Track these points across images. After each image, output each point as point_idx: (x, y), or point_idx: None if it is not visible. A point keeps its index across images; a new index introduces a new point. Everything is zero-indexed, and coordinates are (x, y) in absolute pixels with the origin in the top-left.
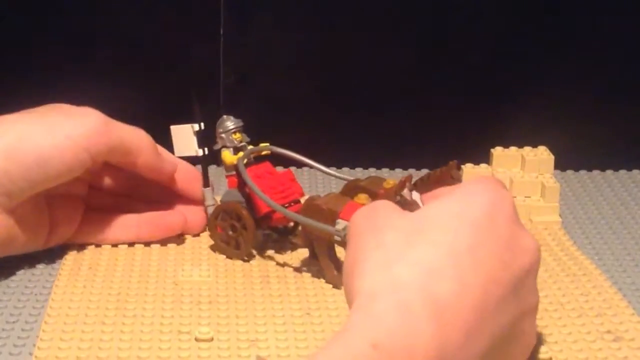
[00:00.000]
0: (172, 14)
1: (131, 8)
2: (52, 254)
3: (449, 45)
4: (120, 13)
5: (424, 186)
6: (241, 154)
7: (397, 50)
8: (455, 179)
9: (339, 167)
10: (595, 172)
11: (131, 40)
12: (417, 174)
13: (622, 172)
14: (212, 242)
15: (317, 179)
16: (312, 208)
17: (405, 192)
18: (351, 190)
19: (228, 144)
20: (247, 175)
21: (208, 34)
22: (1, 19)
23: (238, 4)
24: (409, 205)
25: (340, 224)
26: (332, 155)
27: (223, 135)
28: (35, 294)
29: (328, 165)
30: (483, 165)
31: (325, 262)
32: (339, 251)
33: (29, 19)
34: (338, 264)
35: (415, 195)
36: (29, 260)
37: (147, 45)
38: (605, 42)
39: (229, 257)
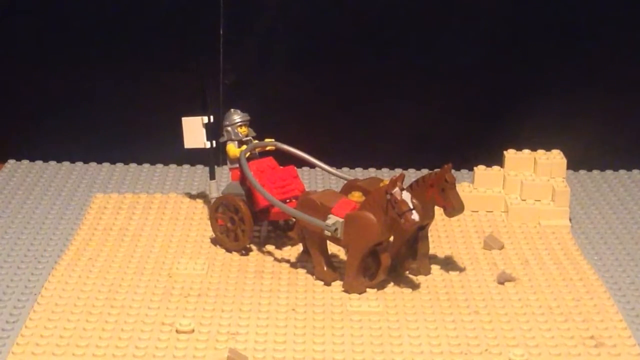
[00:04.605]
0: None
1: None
2: (53, 253)
3: (461, 46)
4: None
5: (419, 189)
6: (244, 147)
7: (404, 51)
8: (449, 182)
9: (339, 167)
10: (595, 172)
11: (137, 37)
12: (416, 175)
13: (622, 172)
14: (214, 236)
15: (317, 177)
16: (307, 202)
17: (396, 190)
18: (350, 189)
19: (233, 137)
20: (247, 168)
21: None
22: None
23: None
24: (398, 204)
25: (331, 219)
26: (332, 155)
27: (229, 128)
28: (35, 294)
29: (328, 165)
30: (495, 168)
31: (316, 256)
32: (332, 247)
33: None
34: (328, 260)
35: (405, 195)
36: (29, 259)
37: (153, 43)
38: (606, 44)
39: (227, 249)
